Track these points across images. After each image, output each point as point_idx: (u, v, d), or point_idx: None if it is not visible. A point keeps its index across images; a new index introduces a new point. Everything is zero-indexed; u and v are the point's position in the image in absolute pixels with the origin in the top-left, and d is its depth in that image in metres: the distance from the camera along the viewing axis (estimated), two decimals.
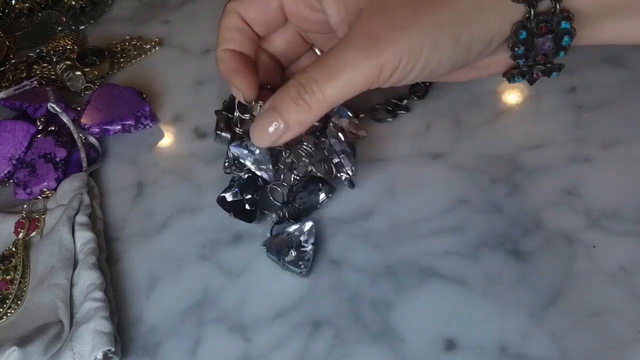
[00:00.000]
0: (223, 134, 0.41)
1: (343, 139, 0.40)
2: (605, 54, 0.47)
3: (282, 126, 0.32)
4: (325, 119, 0.40)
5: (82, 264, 0.38)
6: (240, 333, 0.36)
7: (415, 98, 0.46)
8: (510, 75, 0.35)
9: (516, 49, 0.32)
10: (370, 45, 0.31)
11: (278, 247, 0.38)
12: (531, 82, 0.35)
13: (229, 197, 0.40)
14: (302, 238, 0.38)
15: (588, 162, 0.41)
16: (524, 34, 0.32)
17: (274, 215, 0.40)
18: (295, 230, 0.39)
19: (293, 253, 0.38)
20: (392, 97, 0.46)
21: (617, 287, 0.36)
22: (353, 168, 0.40)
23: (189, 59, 0.53)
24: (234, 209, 0.40)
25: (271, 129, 0.32)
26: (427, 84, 0.46)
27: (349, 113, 0.41)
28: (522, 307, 0.35)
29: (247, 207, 0.40)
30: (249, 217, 0.40)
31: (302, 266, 0.38)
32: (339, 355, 0.35)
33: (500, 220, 0.39)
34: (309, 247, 0.38)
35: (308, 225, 0.39)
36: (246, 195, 0.40)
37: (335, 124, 0.40)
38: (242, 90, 0.36)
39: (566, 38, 0.32)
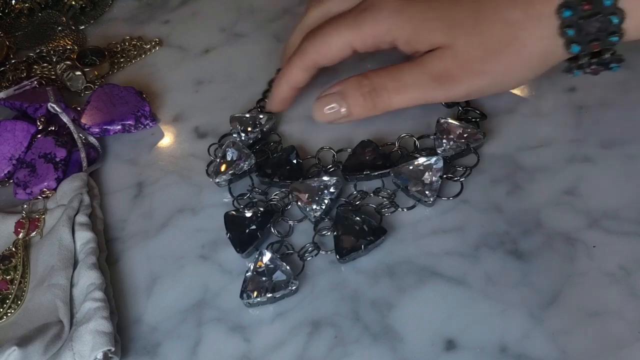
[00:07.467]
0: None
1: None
2: None
3: (343, 110, 0.38)
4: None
5: (82, 264, 0.38)
6: (240, 333, 0.36)
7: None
8: (568, 69, 0.37)
9: (566, 30, 0.33)
10: (444, 80, 0.36)
11: (255, 283, 0.37)
12: (594, 72, 0.36)
13: (236, 217, 0.40)
14: (277, 295, 0.36)
15: (588, 162, 0.41)
16: (567, 12, 0.33)
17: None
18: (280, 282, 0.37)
19: (267, 295, 0.36)
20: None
21: (617, 287, 0.35)
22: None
23: (189, 59, 0.53)
24: (234, 232, 0.39)
25: (331, 110, 0.38)
26: None
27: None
28: (522, 307, 0.35)
29: (245, 236, 0.39)
30: (240, 247, 0.39)
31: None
32: (339, 355, 0.35)
33: (500, 220, 0.39)
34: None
35: (293, 287, 0.37)
36: (252, 225, 0.39)
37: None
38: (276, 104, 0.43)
39: (614, 18, 0.33)
